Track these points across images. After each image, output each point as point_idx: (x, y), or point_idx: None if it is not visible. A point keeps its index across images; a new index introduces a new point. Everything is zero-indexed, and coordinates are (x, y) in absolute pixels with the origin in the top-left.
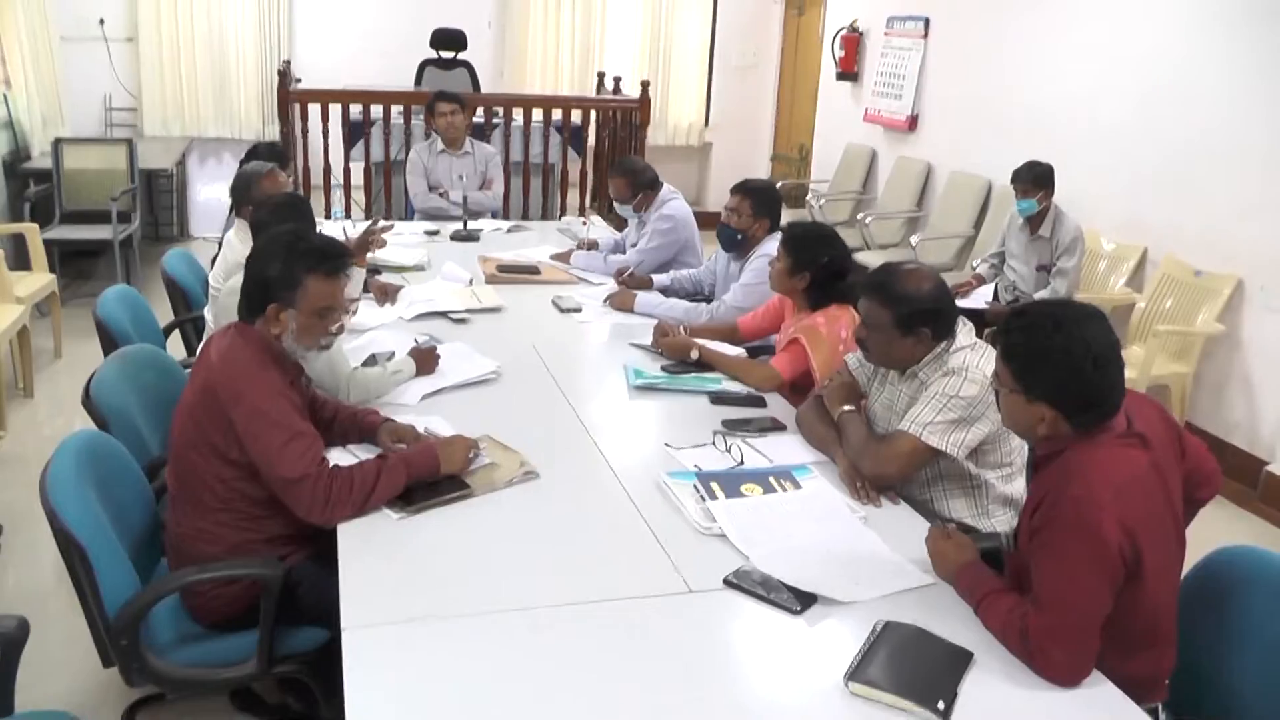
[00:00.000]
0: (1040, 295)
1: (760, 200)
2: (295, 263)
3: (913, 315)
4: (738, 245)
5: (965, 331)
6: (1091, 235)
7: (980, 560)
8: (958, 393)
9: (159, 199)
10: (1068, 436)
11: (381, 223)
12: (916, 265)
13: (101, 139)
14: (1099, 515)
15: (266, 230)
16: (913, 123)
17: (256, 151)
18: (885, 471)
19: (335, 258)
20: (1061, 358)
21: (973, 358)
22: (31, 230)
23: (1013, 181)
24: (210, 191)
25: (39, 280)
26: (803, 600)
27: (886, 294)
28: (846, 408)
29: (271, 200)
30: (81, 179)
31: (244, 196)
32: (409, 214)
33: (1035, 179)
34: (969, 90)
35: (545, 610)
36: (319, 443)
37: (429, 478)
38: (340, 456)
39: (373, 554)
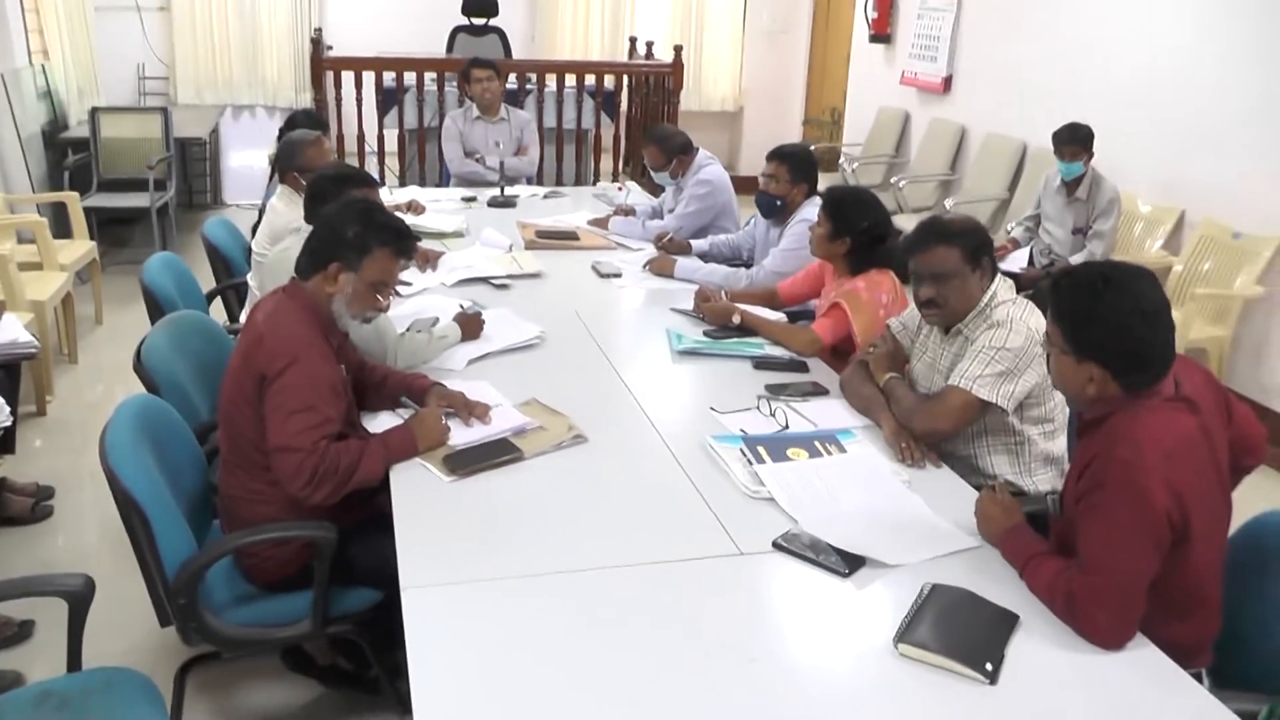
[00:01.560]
0: (1076, 258)
1: (796, 165)
2: (371, 231)
3: (979, 246)
4: (777, 212)
5: (1006, 287)
6: (1127, 197)
7: (1026, 524)
8: (1004, 344)
9: (193, 166)
10: (1116, 399)
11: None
12: (948, 212)
13: (137, 108)
14: (1147, 478)
15: (326, 198)
16: (947, 84)
17: (295, 120)
18: (938, 427)
19: (407, 239)
20: (1111, 315)
21: (1015, 311)
22: (72, 199)
23: (1056, 144)
24: (243, 159)
25: (80, 248)
26: (851, 563)
27: (949, 236)
28: (892, 375)
29: (336, 170)
30: (118, 148)
31: (290, 163)
32: (445, 180)
33: (1081, 141)
34: (1003, 52)
35: (597, 571)
36: (329, 426)
37: (408, 456)
38: (390, 420)
39: (426, 515)
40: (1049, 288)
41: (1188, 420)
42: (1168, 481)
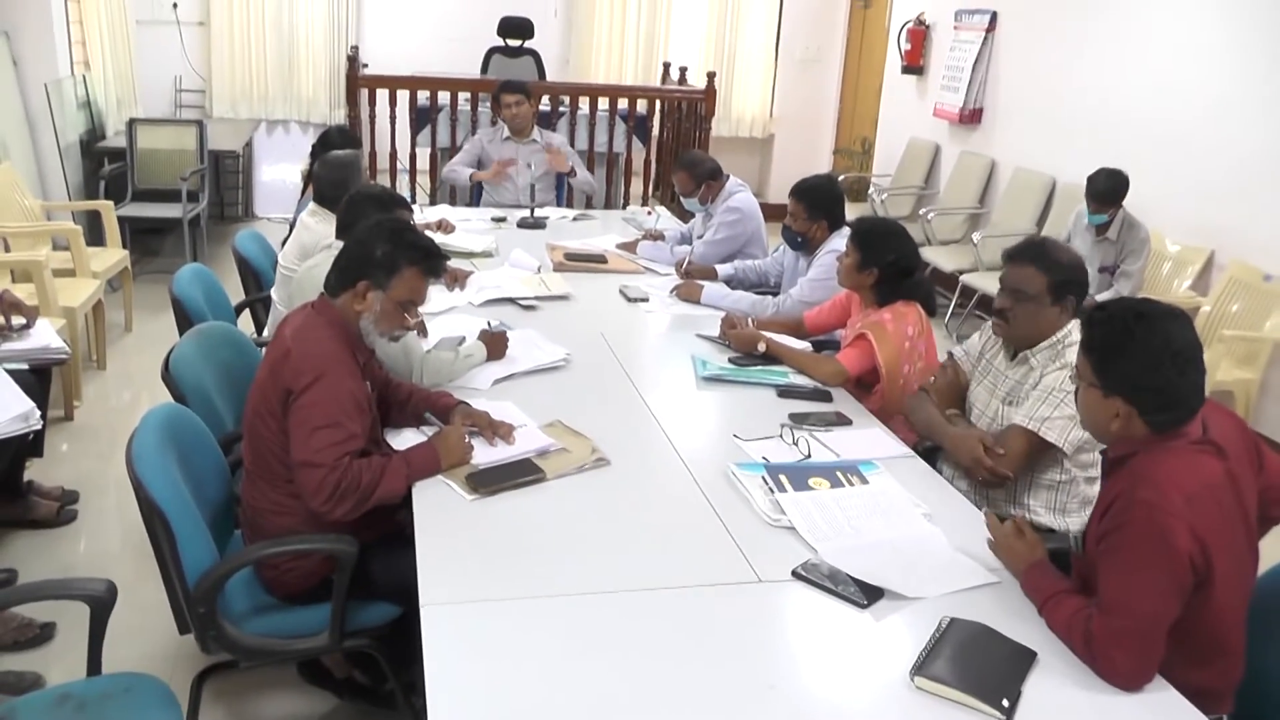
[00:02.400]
0: (1102, 297)
1: (812, 201)
2: (400, 250)
3: (1066, 283)
4: (800, 246)
5: (1076, 327)
6: (1156, 236)
7: (1048, 560)
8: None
9: (225, 179)
10: (1141, 438)
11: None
12: (1057, 240)
13: (173, 120)
14: (1169, 521)
15: (362, 217)
16: (977, 117)
17: (329, 136)
18: (1005, 471)
19: (437, 259)
20: (1140, 352)
21: None
22: (106, 207)
23: (1089, 192)
24: (275, 173)
25: (112, 256)
26: (870, 594)
27: (1043, 260)
28: (953, 412)
29: (373, 191)
30: (153, 159)
31: (342, 193)
32: (475, 200)
33: (1113, 193)
34: (1034, 86)
35: (616, 594)
36: (353, 442)
37: (430, 474)
38: (414, 437)
39: (448, 533)
40: (1082, 321)
41: (1213, 464)
42: (1190, 525)
